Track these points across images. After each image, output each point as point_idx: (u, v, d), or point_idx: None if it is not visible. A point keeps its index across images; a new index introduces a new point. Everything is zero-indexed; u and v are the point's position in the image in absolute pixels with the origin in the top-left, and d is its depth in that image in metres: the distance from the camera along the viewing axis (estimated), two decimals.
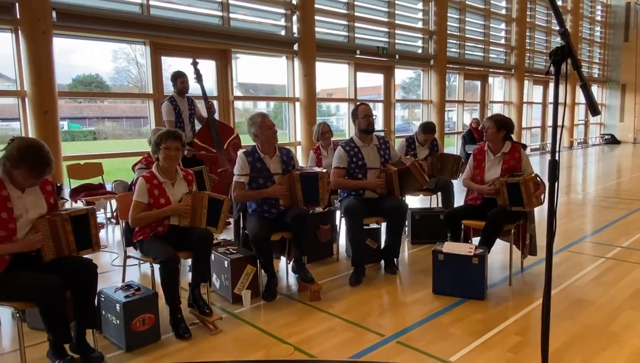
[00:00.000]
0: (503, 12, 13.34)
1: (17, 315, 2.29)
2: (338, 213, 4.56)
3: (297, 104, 8.46)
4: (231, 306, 3.39)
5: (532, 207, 3.55)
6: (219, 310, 3.29)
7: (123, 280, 3.38)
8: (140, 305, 2.76)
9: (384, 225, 4.07)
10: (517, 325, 3.02)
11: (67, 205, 5.27)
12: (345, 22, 9.14)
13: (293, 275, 3.87)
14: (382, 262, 4.12)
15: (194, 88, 5.69)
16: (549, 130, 16.49)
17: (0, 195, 2.32)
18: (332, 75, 9.59)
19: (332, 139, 5.16)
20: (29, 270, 2.34)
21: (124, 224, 3.38)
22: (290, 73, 8.41)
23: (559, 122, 1.52)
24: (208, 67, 7.37)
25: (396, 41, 10.13)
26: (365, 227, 3.99)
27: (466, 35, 11.97)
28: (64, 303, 2.30)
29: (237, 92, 7.62)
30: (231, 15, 7.42)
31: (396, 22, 10.07)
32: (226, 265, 3.44)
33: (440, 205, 5.28)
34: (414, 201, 6.46)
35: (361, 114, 3.98)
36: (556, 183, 1.55)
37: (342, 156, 3.94)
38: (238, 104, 7.57)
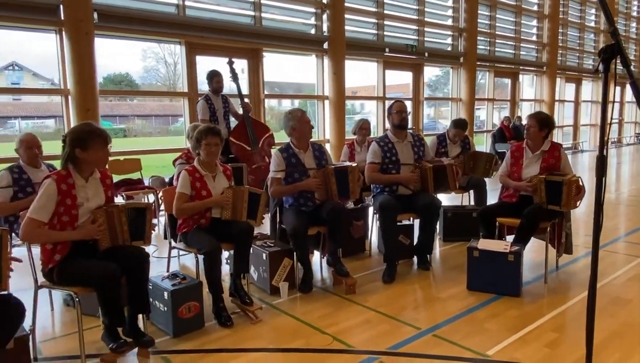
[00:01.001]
0: (535, 8, 13.10)
1: (77, 299, 2.43)
2: (371, 209, 4.62)
3: (326, 102, 8.54)
4: (269, 297, 3.50)
5: (568, 208, 3.54)
6: (258, 301, 3.40)
7: (168, 270, 3.53)
8: (186, 294, 2.90)
9: (416, 222, 4.12)
10: (553, 322, 3.03)
11: None
12: (374, 20, 9.17)
13: (327, 268, 3.97)
14: (415, 258, 4.17)
15: (228, 87, 5.84)
16: (582, 129, 16.06)
17: (67, 183, 2.48)
18: (356, 74, 9.62)
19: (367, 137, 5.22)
20: (87, 258, 2.50)
21: (167, 217, 3.52)
22: (320, 71, 8.50)
23: (608, 120, 1.55)
24: (240, 66, 7.51)
25: (425, 39, 10.09)
26: (398, 224, 4.04)
27: (496, 32, 11.82)
28: (119, 289, 2.45)
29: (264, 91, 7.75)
30: (263, 14, 7.55)
31: (426, 19, 10.03)
32: (264, 258, 3.55)
33: (472, 203, 5.28)
34: (445, 199, 6.46)
35: (394, 109, 4.03)
36: (603, 179, 1.58)
37: (376, 151, 4.00)
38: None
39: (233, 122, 5.92)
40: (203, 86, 7.00)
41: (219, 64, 6.02)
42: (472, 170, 5.10)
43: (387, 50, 9.24)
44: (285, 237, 3.76)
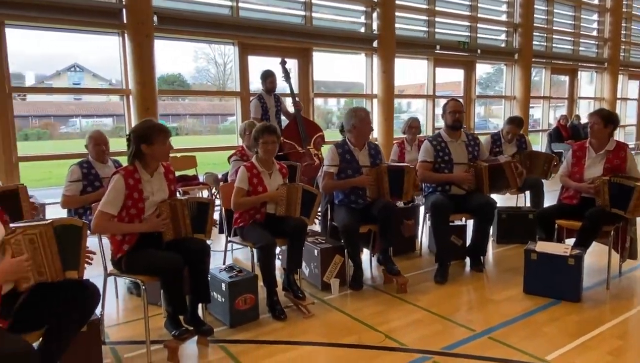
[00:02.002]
0: (595, 1, 12.45)
1: (143, 287, 2.58)
2: (422, 208, 4.58)
3: (375, 100, 8.51)
4: (320, 293, 3.55)
5: (634, 216, 3.36)
6: (309, 296, 3.45)
7: (224, 263, 3.66)
8: (242, 286, 3.00)
9: (469, 223, 4.04)
10: (616, 329, 2.90)
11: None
12: (425, 17, 9.03)
13: (377, 267, 3.97)
14: (467, 259, 4.09)
15: (280, 86, 5.95)
16: None
17: (134, 178, 2.63)
18: (404, 72, 9.50)
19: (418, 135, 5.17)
20: (153, 249, 2.63)
21: (224, 212, 3.64)
22: (369, 70, 8.47)
23: None
24: (289, 65, 7.61)
25: (478, 35, 9.83)
26: (450, 224, 3.98)
27: (554, 28, 11.33)
28: (182, 279, 2.57)
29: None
30: (313, 14, 7.62)
31: (479, 15, 9.77)
32: (316, 254, 3.61)
33: (528, 204, 5.11)
34: (500, 199, 6.27)
35: (449, 109, 3.97)
36: None
37: (429, 150, 3.95)
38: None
39: (284, 121, 6.01)
40: (253, 85, 7.17)
41: (270, 63, 6.13)
42: (528, 171, 4.93)
43: (438, 47, 9.08)
44: (336, 234, 3.80)
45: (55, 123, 24.22)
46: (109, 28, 6.08)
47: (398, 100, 12.75)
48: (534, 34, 10.58)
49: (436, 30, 9.14)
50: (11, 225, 1.94)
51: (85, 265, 2.13)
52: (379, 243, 3.78)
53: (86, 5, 5.73)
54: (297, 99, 5.90)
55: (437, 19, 9.13)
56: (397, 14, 8.34)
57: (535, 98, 11.49)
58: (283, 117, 5.99)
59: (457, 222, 4.22)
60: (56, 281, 1.96)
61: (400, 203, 4.46)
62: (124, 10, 5.98)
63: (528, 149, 5.19)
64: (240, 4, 6.94)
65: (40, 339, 1.95)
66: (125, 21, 6.00)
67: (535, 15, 10.52)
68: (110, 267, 2.77)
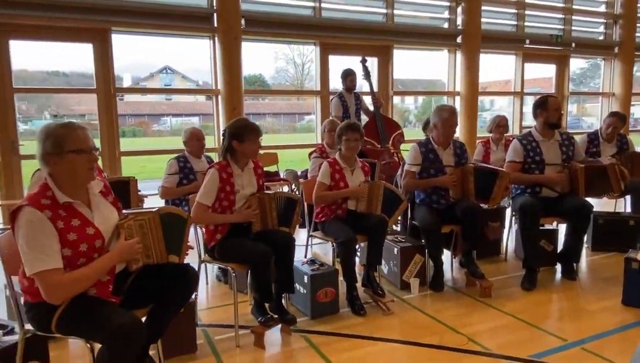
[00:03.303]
0: None
1: (234, 274, 2.74)
2: (508, 210, 4.39)
3: (457, 98, 8.25)
4: (399, 291, 3.53)
5: None
6: (388, 294, 3.45)
7: (305, 256, 3.77)
8: (324, 279, 3.07)
9: (561, 227, 3.81)
10: None
11: None
12: (514, 10, 8.59)
13: (458, 269, 3.87)
14: (559, 265, 3.86)
15: (359, 84, 5.98)
16: None
17: (227, 172, 2.81)
18: (487, 68, 9.09)
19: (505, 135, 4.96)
20: (242, 239, 2.79)
21: (306, 207, 3.75)
22: (451, 66, 8.23)
23: None
24: (369, 64, 7.61)
25: (572, 28, 9.16)
26: (540, 228, 3.77)
27: None
28: (270, 268, 2.69)
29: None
30: (395, 11, 7.55)
31: (574, 6, 9.10)
32: (395, 253, 3.60)
33: (628, 209, 4.70)
34: (596, 204, 5.84)
35: (553, 106, 3.72)
36: None
37: (518, 149, 3.77)
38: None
39: (364, 119, 6.04)
40: (332, 84, 7.26)
41: (350, 62, 6.18)
42: (630, 173, 4.52)
43: (527, 41, 8.60)
44: (416, 233, 3.76)
45: (149, 121, 26.21)
46: (200, 32, 6.46)
47: (481, 97, 12.24)
48: (638, 25, 9.65)
49: (526, 23, 8.66)
50: (123, 211, 2.15)
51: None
52: (461, 245, 3.69)
53: (181, 11, 6.14)
54: (377, 96, 5.89)
55: (527, 12, 8.65)
56: (483, 7, 8.01)
57: (638, 95, 10.48)
58: (363, 116, 6.02)
59: (548, 226, 3.99)
60: (160, 263, 2.14)
61: (484, 205, 4.30)
62: (214, 15, 6.34)
63: (630, 149, 4.77)
64: (322, 4, 7.06)
65: (146, 316, 2.15)
66: (215, 25, 6.35)
67: (639, 5, 9.59)
68: (203, 255, 2.97)
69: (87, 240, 1.88)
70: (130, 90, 15.51)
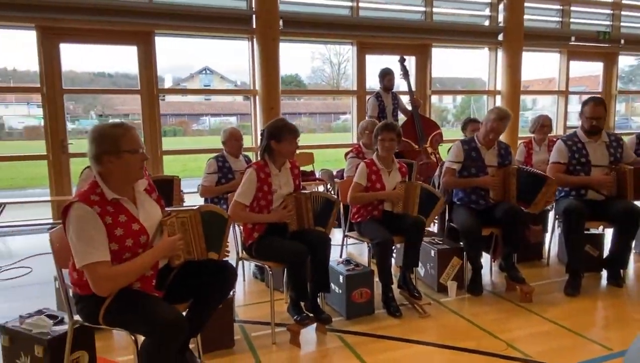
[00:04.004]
0: None
1: (270, 272, 2.79)
2: (551, 214, 4.25)
3: (498, 97, 8.05)
4: (436, 294, 3.49)
5: None
6: (425, 296, 3.41)
7: (340, 256, 3.77)
8: (359, 279, 3.07)
9: (608, 231, 3.65)
10: None
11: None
12: (559, 7, 8.30)
13: (497, 272, 3.78)
14: (604, 271, 3.70)
15: (397, 84, 5.93)
16: None
17: (264, 171, 2.85)
18: (529, 66, 8.80)
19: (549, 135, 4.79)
20: (279, 237, 2.83)
21: (342, 207, 3.75)
22: (492, 65, 8.04)
23: None
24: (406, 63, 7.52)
25: (621, 24, 8.76)
26: (585, 232, 3.63)
27: None
28: (306, 267, 2.72)
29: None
30: (434, 9, 7.44)
31: (623, 1, 8.70)
32: (432, 255, 3.55)
33: None
34: None
35: (587, 113, 3.53)
36: None
37: (562, 150, 3.64)
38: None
39: (402, 119, 5.98)
40: (369, 84, 7.23)
41: (387, 61, 6.13)
42: None
43: (572, 38, 8.28)
44: (453, 235, 3.69)
45: (189, 121, 26.89)
46: (239, 33, 6.58)
47: (523, 96, 11.89)
48: None
49: (571, 20, 8.35)
50: (166, 209, 2.23)
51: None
52: (501, 248, 3.60)
53: (221, 13, 6.28)
54: (415, 95, 5.82)
55: (572, 8, 8.33)
56: (526, 4, 7.78)
57: None
58: (401, 115, 5.97)
59: (593, 231, 3.83)
60: (200, 259, 2.20)
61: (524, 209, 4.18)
62: (253, 16, 6.44)
63: None
64: (360, 4, 7.04)
65: (187, 310, 2.21)
66: (254, 26, 6.45)
67: None
68: (241, 253, 3.03)
69: (132, 236, 1.95)
70: (172, 90, 15.92)
